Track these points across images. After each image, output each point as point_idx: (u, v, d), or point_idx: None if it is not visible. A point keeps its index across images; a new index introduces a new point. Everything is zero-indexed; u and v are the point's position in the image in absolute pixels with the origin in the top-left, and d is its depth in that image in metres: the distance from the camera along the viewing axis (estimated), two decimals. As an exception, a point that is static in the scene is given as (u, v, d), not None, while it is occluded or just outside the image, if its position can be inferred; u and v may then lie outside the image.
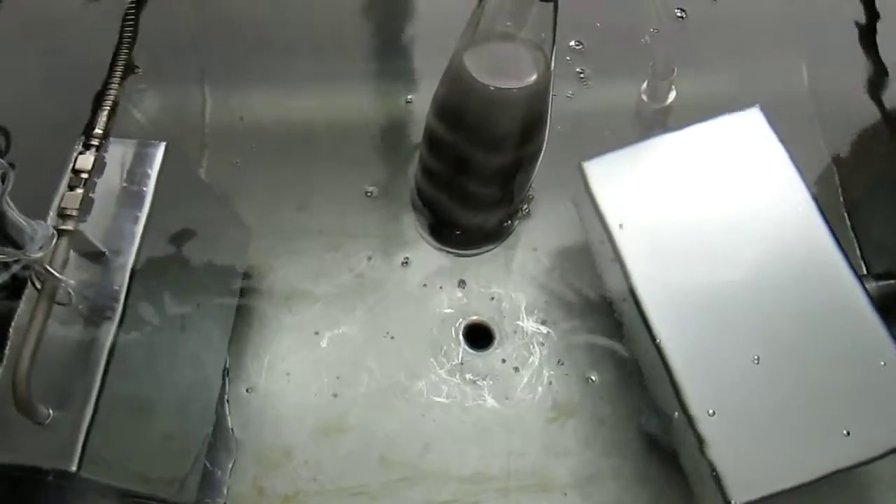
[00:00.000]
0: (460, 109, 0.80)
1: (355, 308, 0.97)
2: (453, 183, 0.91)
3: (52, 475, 0.63)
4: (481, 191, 0.91)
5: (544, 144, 0.85)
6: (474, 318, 0.96)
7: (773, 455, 0.73)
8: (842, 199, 1.02)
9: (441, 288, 0.98)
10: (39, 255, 0.60)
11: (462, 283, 0.98)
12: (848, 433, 0.73)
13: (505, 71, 0.76)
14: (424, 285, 0.98)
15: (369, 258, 0.99)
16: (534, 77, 0.76)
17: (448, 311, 0.96)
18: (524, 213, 1.02)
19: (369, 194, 1.04)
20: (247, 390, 0.92)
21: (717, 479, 0.72)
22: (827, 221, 0.81)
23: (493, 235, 1.01)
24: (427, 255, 1.00)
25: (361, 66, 1.14)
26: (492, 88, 0.76)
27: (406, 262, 1.00)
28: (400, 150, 1.08)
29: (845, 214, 1.01)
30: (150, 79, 1.07)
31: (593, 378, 0.93)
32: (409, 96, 1.11)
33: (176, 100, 1.10)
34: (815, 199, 0.82)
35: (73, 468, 0.62)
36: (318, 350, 0.94)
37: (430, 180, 0.94)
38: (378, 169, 1.06)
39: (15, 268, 0.58)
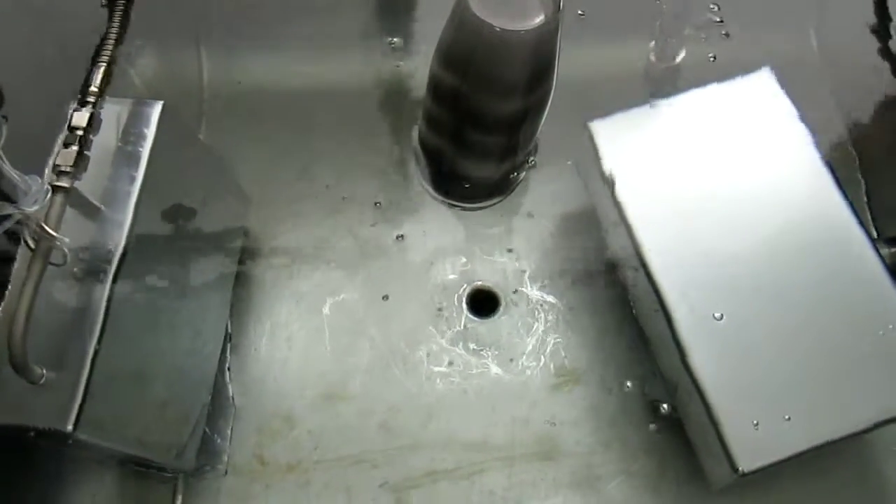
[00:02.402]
0: (466, 54, 0.79)
1: (357, 274, 0.95)
2: (459, 132, 0.89)
3: (48, 435, 0.62)
4: (487, 140, 0.89)
5: (552, 91, 0.84)
6: (478, 284, 0.95)
7: (780, 422, 0.72)
8: (857, 163, 1.01)
9: (444, 254, 0.96)
10: (33, 209, 0.58)
11: (466, 249, 0.97)
12: (855, 399, 0.73)
13: (511, 12, 0.75)
14: (427, 251, 0.97)
15: (372, 224, 0.98)
16: (541, 18, 0.74)
17: (451, 277, 0.95)
18: (531, 164, 1.01)
19: (371, 159, 1.03)
20: (248, 357, 0.91)
21: (723, 447, 0.71)
22: (839, 184, 0.80)
23: (499, 188, 1.00)
24: (431, 220, 0.99)
25: (361, 28, 1.12)
26: (498, 29, 0.74)
27: (409, 228, 0.98)
28: (402, 113, 1.06)
29: (860, 178, 1.00)
30: (148, 41, 1.06)
31: (599, 345, 0.92)
32: (410, 58, 1.10)
33: (173, 63, 1.09)
34: (827, 162, 0.81)
35: (69, 428, 0.61)
36: (320, 317, 0.93)
37: (434, 131, 0.93)
38: (380, 132, 1.05)
39: (8, 223, 0.57)
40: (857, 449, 0.86)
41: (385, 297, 0.94)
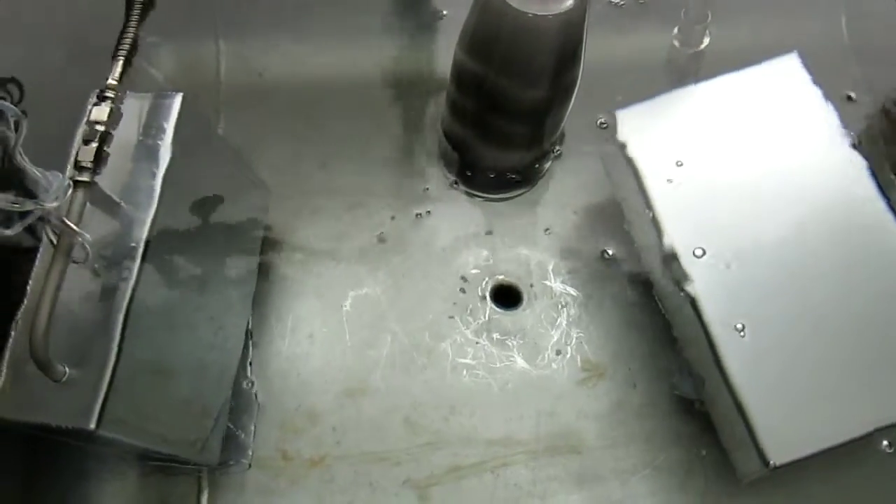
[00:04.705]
0: (491, 39, 0.77)
1: (379, 268, 0.94)
2: (483, 121, 0.88)
3: (71, 433, 0.62)
4: (512, 128, 0.88)
5: (579, 78, 0.83)
6: (501, 277, 0.94)
7: (812, 415, 0.71)
8: (886, 150, 0.98)
9: (467, 246, 0.95)
10: (54, 204, 0.58)
11: (488, 242, 0.96)
12: (889, 390, 0.71)
13: None
14: (450, 243, 0.96)
15: (392, 217, 0.97)
16: (570, 2, 0.72)
17: (474, 270, 0.94)
18: (556, 154, 0.99)
19: (393, 150, 1.02)
20: (270, 353, 0.91)
21: (754, 441, 0.70)
22: (872, 171, 0.78)
23: (524, 178, 0.98)
24: (453, 213, 0.98)
25: (382, 17, 1.11)
26: (525, 14, 0.72)
27: (431, 220, 0.97)
28: (424, 103, 1.05)
29: (889, 166, 0.98)
30: (166, 35, 1.05)
31: (624, 339, 0.90)
32: (432, 48, 1.08)
33: (192, 56, 1.08)
34: (858, 148, 0.79)
35: (92, 426, 0.61)
36: (342, 311, 0.92)
37: (458, 119, 0.92)
38: (402, 123, 1.04)
39: (30, 218, 0.57)
40: (892, 441, 0.84)
41: (407, 291, 0.93)
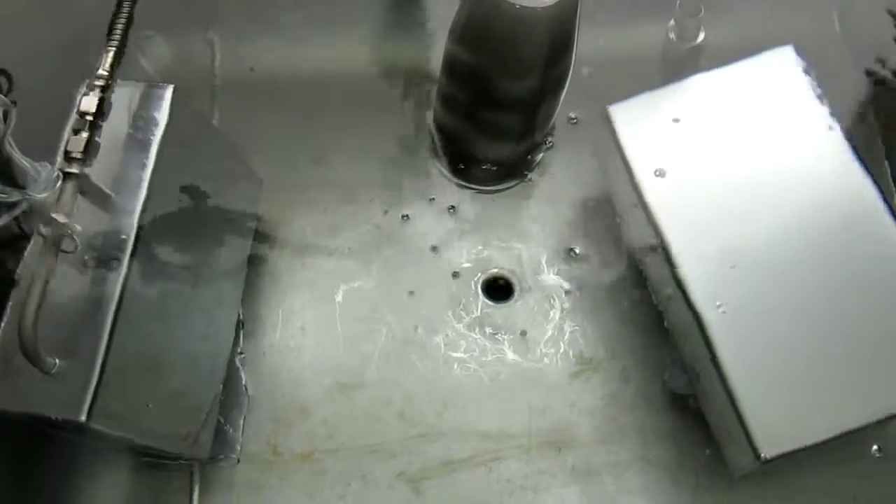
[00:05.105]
0: (483, 31, 0.77)
1: (372, 261, 0.94)
2: (475, 112, 0.88)
3: (61, 425, 0.61)
4: (504, 119, 0.88)
5: (570, 70, 0.83)
6: (494, 271, 0.93)
7: (804, 409, 0.71)
8: (881, 142, 0.99)
9: (460, 239, 0.95)
10: (43, 195, 0.57)
11: (481, 235, 0.95)
12: (880, 386, 0.71)
13: None
14: (442, 236, 0.95)
15: (386, 211, 0.97)
16: None
17: (466, 264, 0.94)
18: (548, 146, 0.99)
19: (386, 144, 1.01)
20: (261, 346, 0.90)
21: (745, 434, 0.70)
22: (864, 164, 0.78)
23: (516, 170, 0.98)
24: (446, 205, 0.97)
25: (375, 11, 1.10)
26: (516, 6, 0.73)
27: (424, 213, 0.97)
28: (416, 97, 1.04)
29: (884, 159, 0.98)
30: (160, 28, 1.05)
31: (617, 333, 0.90)
32: (425, 40, 1.08)
33: (185, 51, 1.07)
34: (851, 140, 0.79)
35: (82, 418, 0.61)
36: (334, 305, 0.92)
37: (450, 111, 0.92)
38: (394, 117, 1.03)
39: (18, 209, 0.56)
40: (882, 436, 0.84)
41: (400, 284, 0.93)
